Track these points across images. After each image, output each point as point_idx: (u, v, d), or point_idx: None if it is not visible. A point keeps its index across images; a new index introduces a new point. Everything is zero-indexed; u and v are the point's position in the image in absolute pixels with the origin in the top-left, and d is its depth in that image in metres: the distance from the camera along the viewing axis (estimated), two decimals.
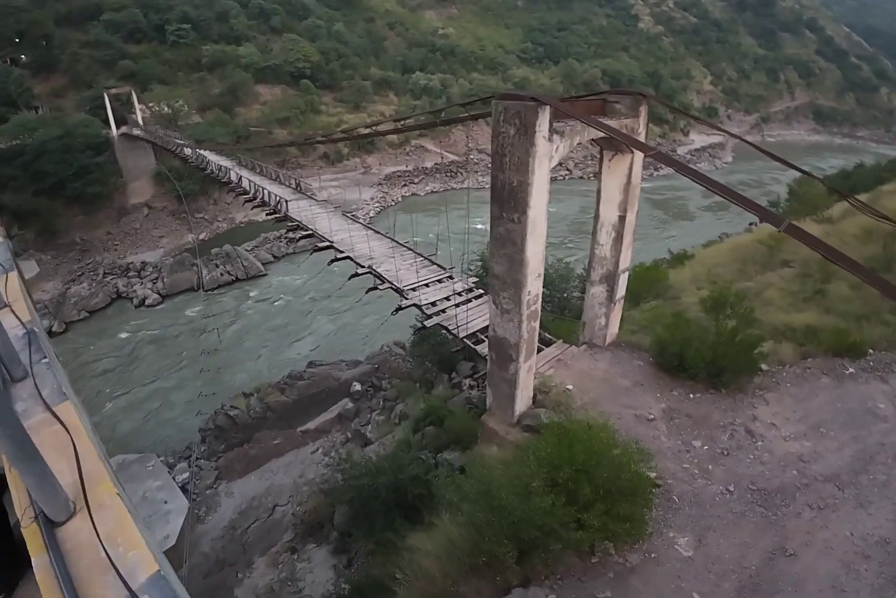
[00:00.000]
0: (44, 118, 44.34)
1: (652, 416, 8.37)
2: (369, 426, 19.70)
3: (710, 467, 7.42)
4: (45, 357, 3.40)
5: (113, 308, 34.55)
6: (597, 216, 10.26)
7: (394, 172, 56.27)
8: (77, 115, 46.38)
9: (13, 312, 3.95)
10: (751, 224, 40.65)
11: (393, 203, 51.90)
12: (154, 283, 36.15)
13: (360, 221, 21.01)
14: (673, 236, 42.66)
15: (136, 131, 44.81)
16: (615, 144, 9.57)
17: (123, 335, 31.33)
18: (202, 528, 17.04)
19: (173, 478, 18.48)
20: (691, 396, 8.93)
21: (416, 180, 56.85)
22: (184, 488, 18.09)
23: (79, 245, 40.83)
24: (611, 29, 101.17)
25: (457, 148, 62.22)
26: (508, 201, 7.57)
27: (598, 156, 10.02)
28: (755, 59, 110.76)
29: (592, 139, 9.04)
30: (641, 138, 9.37)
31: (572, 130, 8.00)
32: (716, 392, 8.99)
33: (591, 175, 58.79)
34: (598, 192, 10.11)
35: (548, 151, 7.44)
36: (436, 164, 59.11)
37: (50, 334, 30.78)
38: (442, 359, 19.82)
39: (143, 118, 48.18)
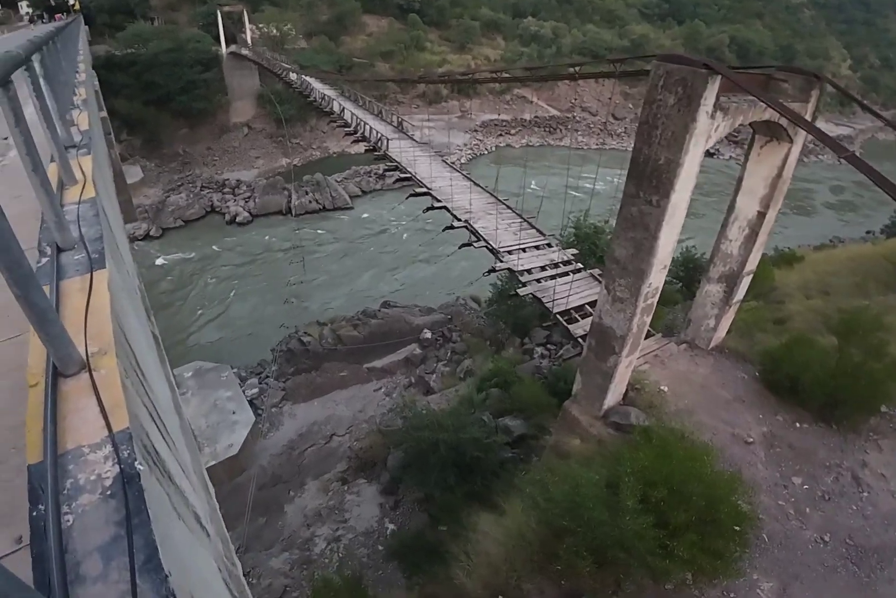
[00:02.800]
0: (158, 30, 45.15)
1: (751, 439, 7.82)
2: (434, 376, 20.01)
3: (808, 509, 6.93)
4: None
5: (206, 221, 36.17)
6: (731, 208, 9.37)
7: (491, 120, 54.09)
8: (190, 29, 47.05)
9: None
10: (868, 233, 37.03)
11: (486, 152, 50.22)
12: (246, 201, 37.28)
13: (461, 171, 20.42)
14: (786, 231, 39.45)
15: (244, 51, 44.87)
16: (773, 129, 8.56)
17: (215, 248, 32.91)
18: (263, 443, 18.05)
19: (243, 391, 19.64)
20: (797, 424, 8.27)
21: (512, 131, 54.54)
22: (251, 403, 19.22)
23: (181, 157, 42.51)
24: None
25: (559, 103, 58.90)
26: (649, 180, 6.88)
27: (749, 140, 9.04)
28: None
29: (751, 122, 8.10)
30: None
31: (737, 109, 7.06)
32: (825, 426, 8.28)
33: None
34: (739, 180, 9.16)
35: (707, 129, 6.64)
36: (535, 116, 56.31)
37: (148, 237, 32.80)
38: (517, 322, 19.68)
39: (251, 39, 48.14)
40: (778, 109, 5.96)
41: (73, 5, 39.40)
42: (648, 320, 7.95)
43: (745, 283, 9.59)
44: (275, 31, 51.13)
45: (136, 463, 1.50)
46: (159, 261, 31.20)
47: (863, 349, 8.58)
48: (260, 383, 20.93)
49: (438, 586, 8.09)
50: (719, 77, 6.21)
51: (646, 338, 10.14)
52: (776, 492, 7.18)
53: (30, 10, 42.12)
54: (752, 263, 9.40)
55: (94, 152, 4.63)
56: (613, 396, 8.40)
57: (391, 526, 13.88)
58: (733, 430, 7.98)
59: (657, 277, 7.50)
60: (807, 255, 21.88)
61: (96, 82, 22.41)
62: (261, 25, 50.89)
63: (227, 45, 46.33)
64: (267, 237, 34.25)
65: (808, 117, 8.46)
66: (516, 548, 6.21)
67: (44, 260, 2.49)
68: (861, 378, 8.15)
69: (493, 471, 12.15)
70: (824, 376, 8.20)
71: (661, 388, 8.62)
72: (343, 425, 18.49)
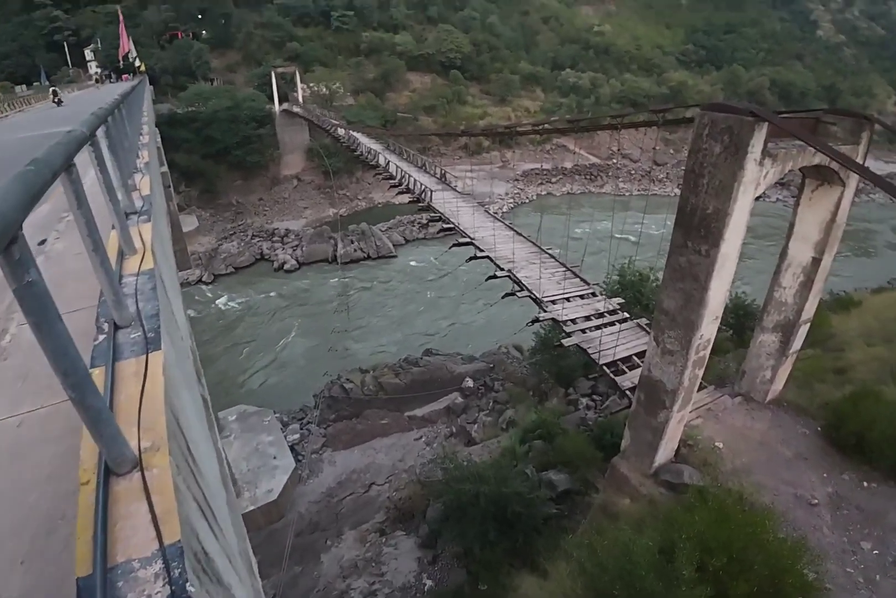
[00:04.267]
0: (217, 90, 49.20)
1: (815, 500, 7.31)
2: (476, 426, 19.62)
3: (878, 577, 6.32)
4: None
5: (255, 268, 37.73)
6: (783, 254, 9.13)
7: (532, 170, 55.34)
8: (246, 89, 51.16)
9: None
10: None
11: (527, 200, 51.13)
12: (294, 250, 38.80)
13: (504, 220, 20.79)
14: (840, 273, 37.90)
15: (295, 109, 48.15)
16: (824, 173, 8.42)
17: (262, 295, 34.13)
18: (302, 489, 17.90)
19: (285, 436, 19.72)
20: (865, 484, 7.68)
21: (553, 180, 55.51)
22: (292, 448, 19.24)
23: (234, 207, 45.06)
24: (785, 34, 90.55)
25: (599, 150, 59.91)
26: (698, 230, 6.84)
27: (800, 184, 8.89)
28: None
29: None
30: None
31: (786, 155, 7.01)
32: None
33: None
34: (791, 226, 8.96)
35: (756, 177, 6.59)
36: (575, 165, 57.29)
37: (200, 282, 34.41)
38: (560, 371, 19.32)
39: (302, 97, 51.69)
40: (830, 155, 5.89)
41: (139, 67, 43.07)
42: (701, 372, 7.70)
43: (803, 332, 9.21)
44: (324, 89, 54.62)
45: (187, 585, 1.39)
46: (214, 304, 32.70)
47: None
48: (301, 429, 21.02)
49: None
50: (766, 124, 6.18)
51: (698, 390, 9.82)
52: (844, 559, 6.62)
53: (98, 71, 46.33)
54: (809, 311, 9.06)
55: (154, 217, 4.60)
56: (664, 452, 8.03)
57: (429, 582, 13.35)
58: (796, 491, 7.48)
59: (708, 329, 7.31)
60: (864, 299, 20.86)
61: (159, 139, 23.98)
62: (311, 84, 54.56)
63: (280, 102, 49.81)
64: (313, 285, 35.30)
65: (859, 160, 8.32)
66: None
67: (101, 338, 2.45)
68: None
69: (536, 527, 11.66)
70: (894, 432, 7.65)
71: (716, 444, 8.20)
72: (382, 474, 18.21)
